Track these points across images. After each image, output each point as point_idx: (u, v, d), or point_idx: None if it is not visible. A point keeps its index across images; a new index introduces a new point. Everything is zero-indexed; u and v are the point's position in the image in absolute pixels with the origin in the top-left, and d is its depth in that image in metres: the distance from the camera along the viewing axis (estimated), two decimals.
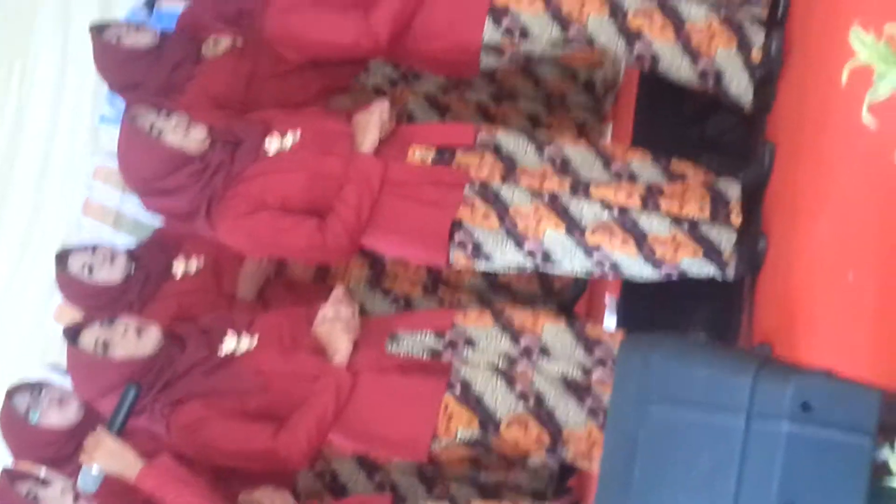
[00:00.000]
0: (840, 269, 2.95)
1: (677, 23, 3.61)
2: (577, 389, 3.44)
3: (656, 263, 3.47)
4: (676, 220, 3.47)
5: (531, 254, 3.52)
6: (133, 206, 5.18)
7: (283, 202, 3.57)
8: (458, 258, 3.55)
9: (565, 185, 3.53)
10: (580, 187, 3.53)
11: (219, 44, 4.34)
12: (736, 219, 3.47)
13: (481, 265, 3.59)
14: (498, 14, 3.70)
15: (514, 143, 3.64)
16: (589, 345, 3.51)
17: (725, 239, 3.46)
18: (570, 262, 3.51)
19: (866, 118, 2.23)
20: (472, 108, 4.48)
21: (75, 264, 4.06)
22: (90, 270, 4.04)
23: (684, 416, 2.36)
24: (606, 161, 3.63)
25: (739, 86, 3.60)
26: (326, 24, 3.76)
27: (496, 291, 4.19)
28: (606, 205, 3.49)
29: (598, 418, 3.39)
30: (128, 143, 3.70)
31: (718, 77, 3.61)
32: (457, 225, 3.53)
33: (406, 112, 4.39)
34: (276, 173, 3.59)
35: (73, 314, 4.24)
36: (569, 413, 3.41)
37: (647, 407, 2.43)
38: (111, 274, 4.04)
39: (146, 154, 3.64)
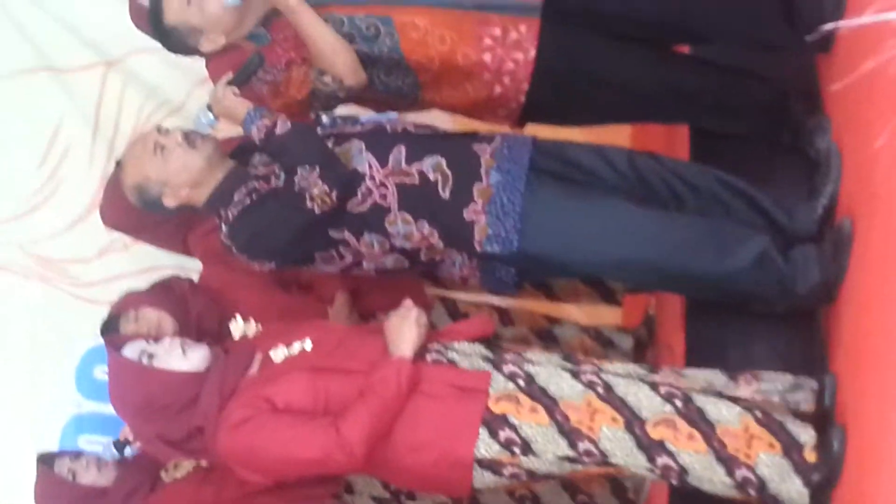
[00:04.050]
0: None
1: (706, 429, 3.24)
2: None
3: None
4: None
5: None
6: None
7: None
8: None
9: None
10: None
11: (179, 468, 4.16)
12: None
13: None
14: (494, 424, 3.28)
15: None
16: None
17: None
18: None
19: None
20: None
21: None
22: None
23: None
24: None
25: (791, 492, 3.21)
26: (290, 437, 3.32)
27: None
28: None
29: None
30: None
31: (762, 485, 3.22)
32: None
33: None
34: None
35: None
36: None
37: None
38: None
39: None
